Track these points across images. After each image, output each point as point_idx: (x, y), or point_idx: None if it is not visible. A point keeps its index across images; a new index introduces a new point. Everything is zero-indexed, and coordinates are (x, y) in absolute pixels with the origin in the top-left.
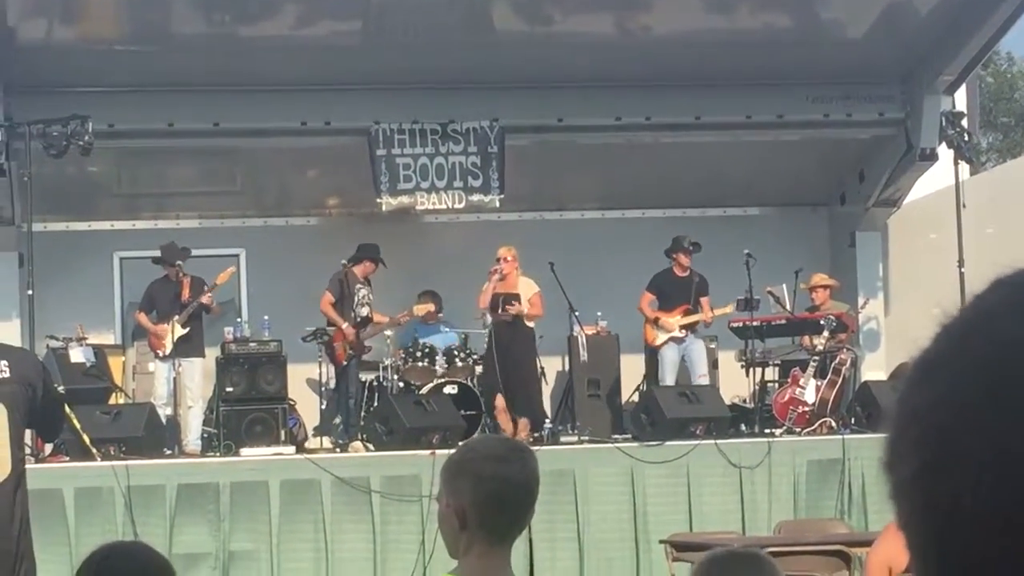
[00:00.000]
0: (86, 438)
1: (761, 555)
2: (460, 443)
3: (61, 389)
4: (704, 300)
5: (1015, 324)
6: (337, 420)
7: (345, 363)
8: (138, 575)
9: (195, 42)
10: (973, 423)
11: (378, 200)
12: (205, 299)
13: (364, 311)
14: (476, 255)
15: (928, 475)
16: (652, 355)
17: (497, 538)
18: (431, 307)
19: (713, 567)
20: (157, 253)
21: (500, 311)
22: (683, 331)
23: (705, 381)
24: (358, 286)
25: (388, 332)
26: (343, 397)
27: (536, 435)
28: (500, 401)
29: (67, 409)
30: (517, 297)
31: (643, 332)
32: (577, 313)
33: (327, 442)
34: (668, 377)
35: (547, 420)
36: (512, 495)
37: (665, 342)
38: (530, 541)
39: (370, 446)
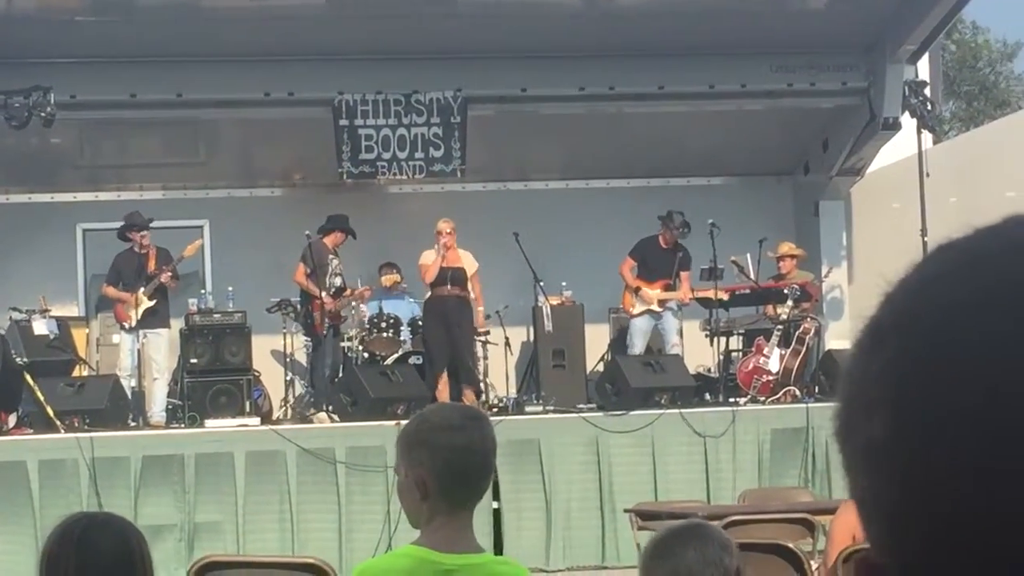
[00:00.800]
0: (50, 410)
1: (705, 524)
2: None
3: (20, 361)
4: (684, 275)
5: (961, 287)
6: (303, 391)
7: (324, 333)
8: (119, 546)
9: (158, 12)
10: (928, 384)
11: (340, 170)
12: (164, 277)
13: (337, 281)
14: None
15: (894, 440)
16: (619, 324)
17: (458, 506)
18: (397, 278)
19: (658, 546)
20: (120, 224)
21: (449, 286)
22: (660, 306)
23: (677, 350)
24: (329, 256)
25: (352, 303)
26: (320, 367)
27: (501, 404)
28: (445, 379)
29: (29, 380)
30: (463, 271)
31: (621, 298)
32: (542, 283)
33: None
34: (637, 345)
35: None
36: (471, 463)
37: (641, 313)
38: (496, 511)
39: (335, 416)
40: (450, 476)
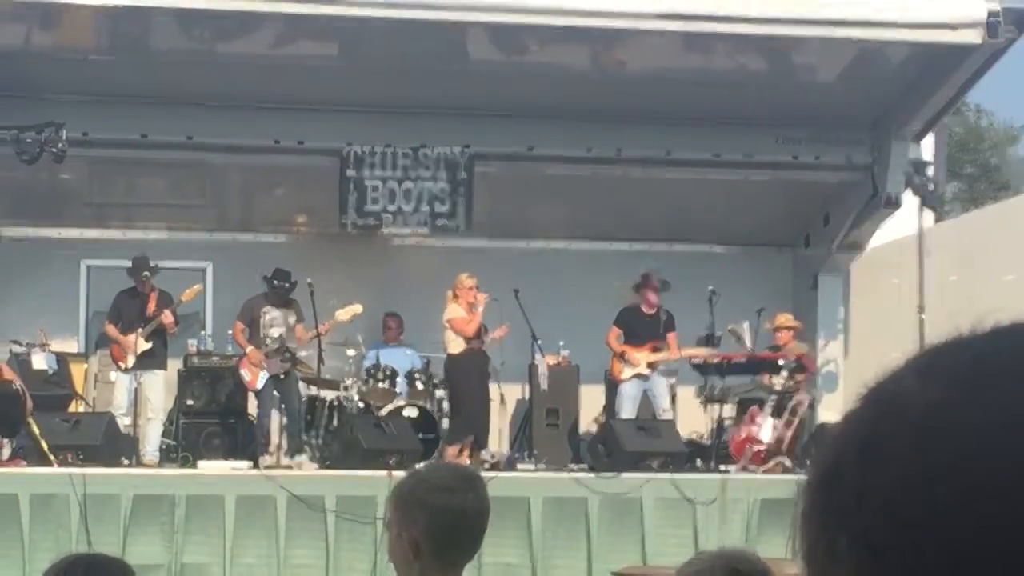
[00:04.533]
0: (44, 444)
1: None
2: (408, 471)
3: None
4: (671, 336)
5: None
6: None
7: (260, 386)
8: None
9: (173, 56)
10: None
11: (343, 220)
12: (164, 320)
13: (275, 332)
14: (442, 279)
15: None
16: (612, 387)
17: (450, 566)
18: (358, 309)
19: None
20: (124, 263)
21: (480, 340)
22: (649, 368)
23: (668, 416)
24: (265, 309)
25: (350, 352)
26: (263, 417)
27: (493, 460)
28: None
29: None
30: (485, 327)
31: (610, 365)
32: (539, 342)
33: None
34: (625, 411)
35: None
36: (466, 525)
37: (629, 378)
38: (479, 567)
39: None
40: (444, 538)
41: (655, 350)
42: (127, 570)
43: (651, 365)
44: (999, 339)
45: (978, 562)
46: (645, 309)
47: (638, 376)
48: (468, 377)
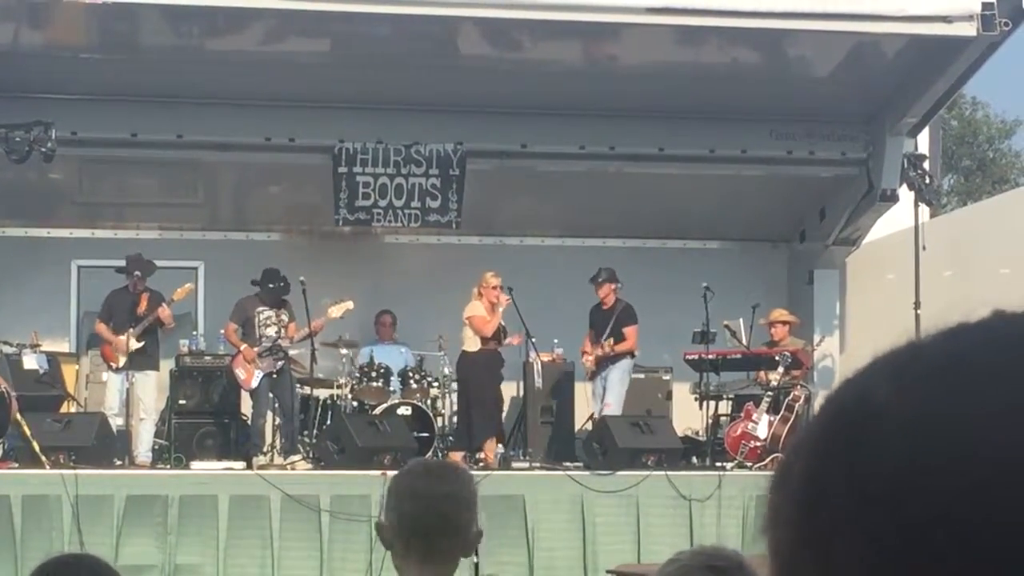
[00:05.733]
0: (36, 445)
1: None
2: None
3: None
4: (628, 330)
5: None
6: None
7: (255, 385)
8: None
9: (162, 53)
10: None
11: (335, 216)
12: (162, 314)
13: (270, 331)
14: (435, 277)
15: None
16: None
17: (420, 560)
18: (349, 305)
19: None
20: (115, 262)
21: (502, 341)
22: (596, 364)
23: (608, 410)
24: (259, 309)
25: (344, 351)
26: (257, 417)
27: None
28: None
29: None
30: (505, 328)
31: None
32: (534, 340)
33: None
34: (594, 406)
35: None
36: (426, 516)
37: (591, 375)
38: (476, 566)
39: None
40: (408, 527)
41: (601, 346)
42: (105, 570)
43: (598, 361)
44: (965, 335)
45: (1000, 559)
46: (603, 306)
47: (594, 373)
48: (480, 376)
